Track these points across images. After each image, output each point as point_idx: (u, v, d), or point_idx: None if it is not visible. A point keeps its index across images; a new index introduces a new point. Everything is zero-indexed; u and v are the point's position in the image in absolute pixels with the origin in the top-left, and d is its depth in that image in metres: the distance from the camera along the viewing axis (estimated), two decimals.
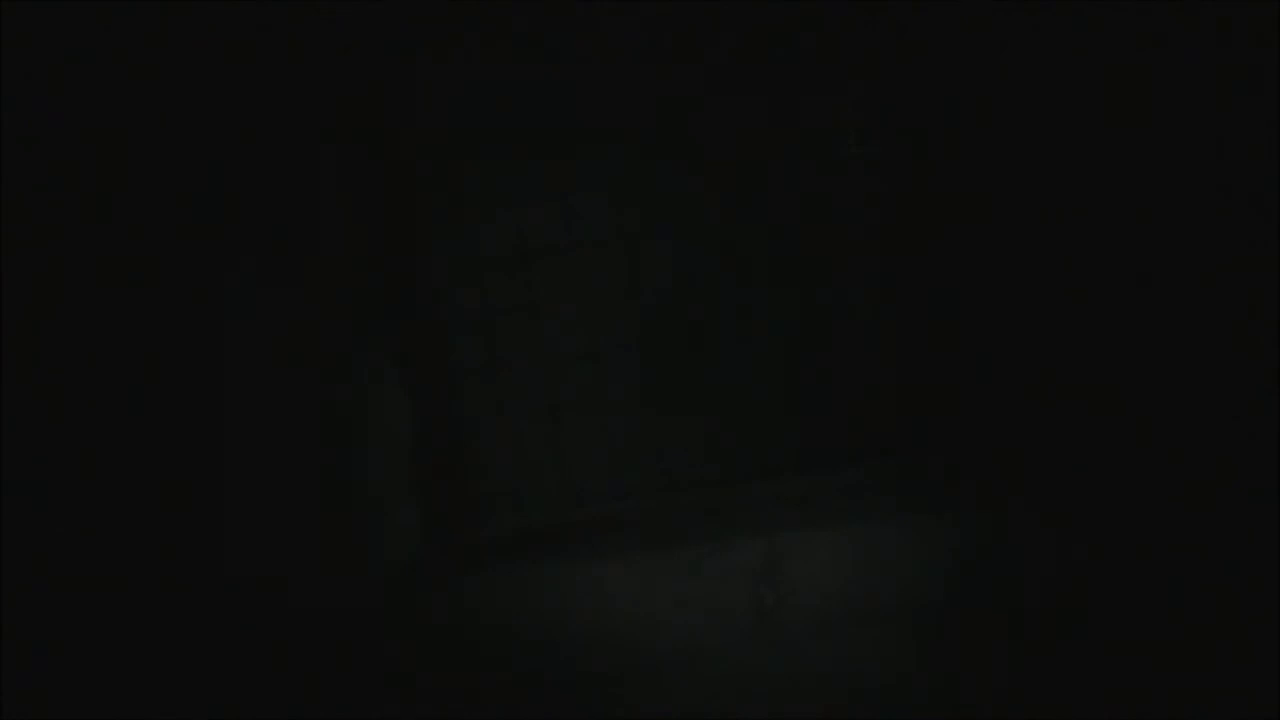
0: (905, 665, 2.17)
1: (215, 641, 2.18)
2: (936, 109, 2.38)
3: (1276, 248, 2.19)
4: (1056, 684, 2.10)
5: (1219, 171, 2.23)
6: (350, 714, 2.21)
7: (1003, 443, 2.38)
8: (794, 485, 2.43)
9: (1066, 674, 2.11)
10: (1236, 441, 2.21)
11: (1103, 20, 2.26)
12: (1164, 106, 2.25)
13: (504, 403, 2.45)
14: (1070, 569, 2.20)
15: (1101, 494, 2.20)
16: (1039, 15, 2.29)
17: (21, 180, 2.06)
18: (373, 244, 2.34)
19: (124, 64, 2.10)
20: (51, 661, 2.09)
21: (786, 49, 2.39)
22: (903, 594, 2.23)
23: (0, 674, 2.05)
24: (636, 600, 2.25)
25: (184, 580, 2.17)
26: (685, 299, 2.44)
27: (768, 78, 2.41)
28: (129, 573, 2.14)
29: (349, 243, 2.28)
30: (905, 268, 2.43)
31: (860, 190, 2.43)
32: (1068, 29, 2.28)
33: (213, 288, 2.18)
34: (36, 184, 2.07)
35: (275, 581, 2.21)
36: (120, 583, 2.14)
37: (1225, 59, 2.20)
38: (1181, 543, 2.18)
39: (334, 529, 2.25)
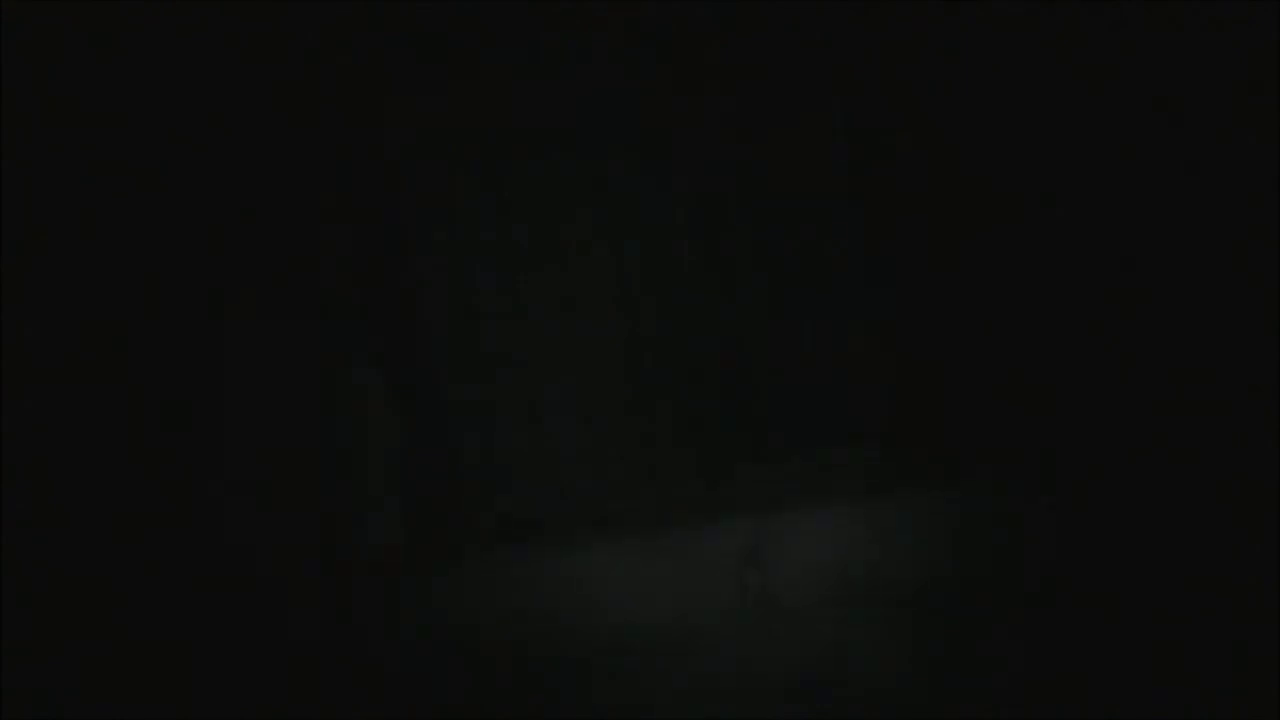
0: (892, 648, 2.17)
1: (212, 641, 2.19)
2: (927, 110, 2.38)
3: (1277, 248, 2.19)
4: (1048, 670, 2.10)
5: (1219, 171, 2.23)
6: (349, 712, 2.22)
7: (996, 427, 2.37)
8: (782, 469, 2.43)
9: (1059, 661, 2.11)
10: (1236, 432, 2.21)
11: (1090, 22, 2.26)
12: (1156, 106, 2.25)
13: (493, 397, 2.45)
14: (1065, 554, 2.20)
15: (1099, 479, 2.20)
16: (1029, 17, 2.29)
17: (22, 181, 2.07)
18: (368, 246, 2.34)
19: (124, 64, 2.11)
20: (51, 661, 2.09)
21: (780, 53, 2.40)
22: (891, 577, 2.23)
23: (0, 674, 2.06)
24: (625, 588, 2.26)
25: (181, 579, 2.18)
26: (672, 284, 2.44)
27: (761, 81, 2.41)
28: (128, 573, 2.15)
29: (344, 245, 2.29)
30: (897, 255, 2.43)
31: (851, 182, 2.43)
32: (1052, 31, 2.28)
33: (211, 289, 2.18)
34: (37, 185, 2.08)
35: (271, 581, 2.22)
36: (119, 583, 2.14)
37: (1225, 59, 2.20)
38: (1180, 528, 2.18)
39: (328, 527, 2.25)
